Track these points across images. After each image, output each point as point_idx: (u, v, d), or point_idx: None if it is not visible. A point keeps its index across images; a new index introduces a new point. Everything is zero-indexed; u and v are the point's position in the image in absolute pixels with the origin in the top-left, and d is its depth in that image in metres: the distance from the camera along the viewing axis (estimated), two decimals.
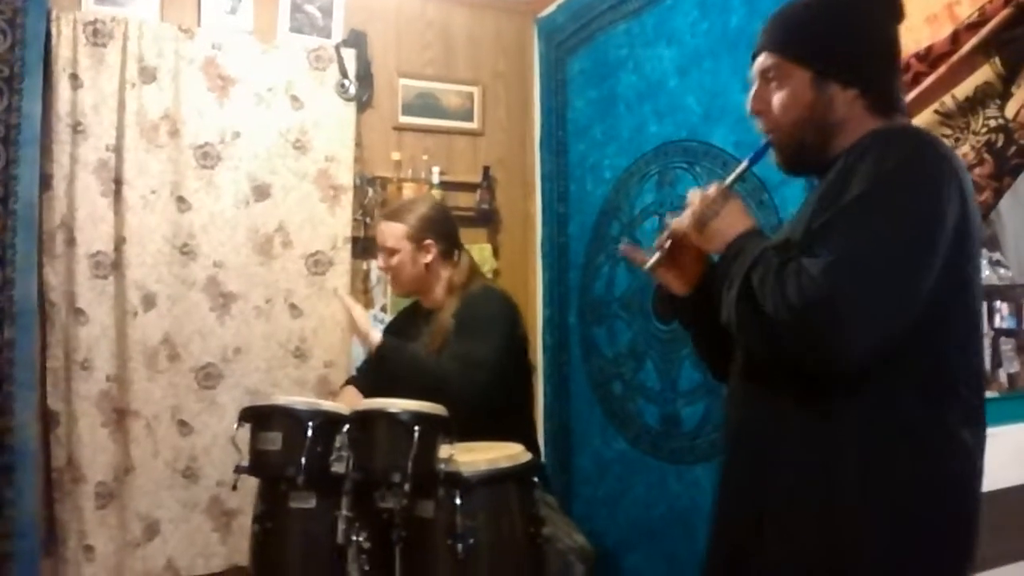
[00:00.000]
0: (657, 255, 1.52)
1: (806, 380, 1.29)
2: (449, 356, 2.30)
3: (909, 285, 1.20)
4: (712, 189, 1.42)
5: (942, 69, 1.99)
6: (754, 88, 1.45)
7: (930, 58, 1.96)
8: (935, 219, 1.22)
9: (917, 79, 2.00)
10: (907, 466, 1.25)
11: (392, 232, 2.47)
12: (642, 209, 2.92)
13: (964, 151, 2.00)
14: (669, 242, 1.50)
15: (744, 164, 1.46)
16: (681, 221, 1.45)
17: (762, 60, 1.43)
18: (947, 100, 2.02)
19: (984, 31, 1.93)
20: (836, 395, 1.28)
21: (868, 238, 1.20)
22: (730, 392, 1.53)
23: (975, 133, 2.00)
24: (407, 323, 2.63)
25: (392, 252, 2.46)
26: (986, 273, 2.84)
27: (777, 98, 1.41)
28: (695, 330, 1.64)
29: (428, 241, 2.45)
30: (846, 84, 1.37)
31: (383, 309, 3.29)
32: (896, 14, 1.43)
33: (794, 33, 1.41)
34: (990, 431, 2.25)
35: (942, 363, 1.28)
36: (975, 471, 1.33)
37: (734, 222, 1.39)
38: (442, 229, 2.49)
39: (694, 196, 1.43)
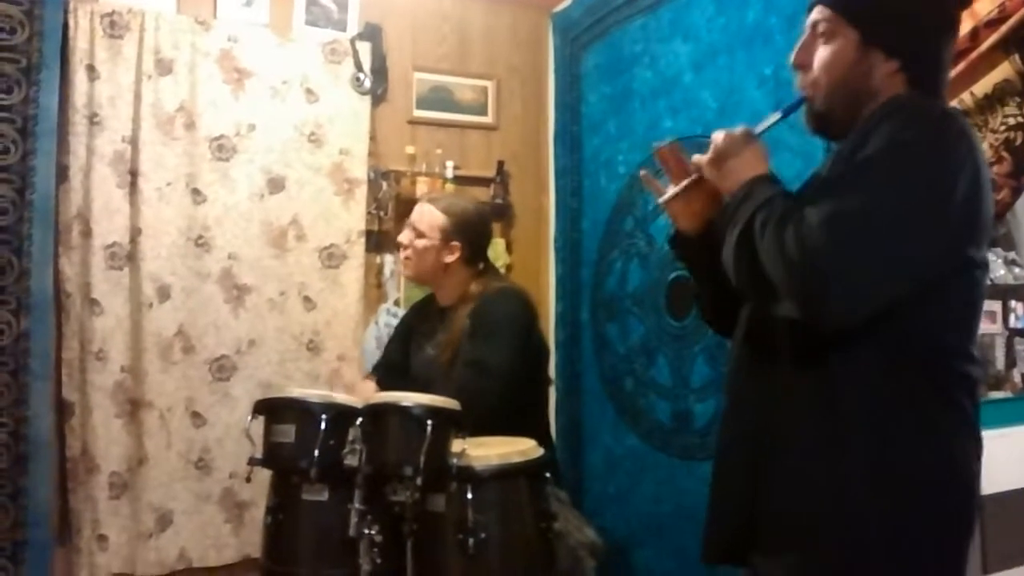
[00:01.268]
0: (676, 189, 1.52)
1: (805, 347, 1.30)
2: (462, 363, 2.30)
3: (905, 249, 1.20)
4: (737, 130, 1.41)
5: (961, 66, 1.98)
6: (802, 39, 1.43)
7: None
8: (943, 193, 1.21)
9: None
10: (910, 431, 1.25)
11: (430, 218, 2.46)
12: (656, 205, 2.90)
13: (982, 149, 1.99)
14: (688, 181, 1.49)
15: (777, 115, 1.44)
16: (702, 157, 1.44)
17: (816, 12, 1.41)
18: (966, 97, 2.01)
19: (1004, 28, 1.92)
20: (836, 363, 1.28)
21: (872, 197, 1.20)
22: (730, 358, 1.54)
23: (993, 131, 1.99)
24: (420, 319, 2.63)
25: (420, 235, 2.46)
26: (1001, 272, 2.82)
27: (820, 54, 1.39)
28: (697, 273, 1.63)
29: (456, 243, 2.45)
30: (889, 54, 1.35)
31: (396, 303, 3.29)
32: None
33: None
34: (1004, 431, 2.24)
35: (941, 339, 1.28)
36: (977, 439, 1.33)
37: (753, 164, 1.38)
38: (475, 237, 2.49)
39: (718, 135, 1.42)
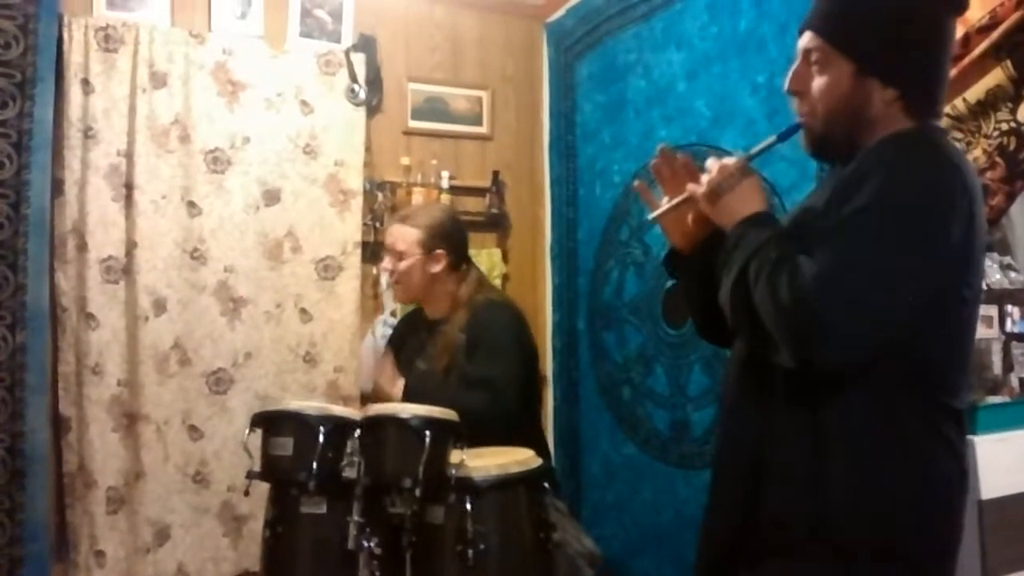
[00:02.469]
0: (667, 206, 1.52)
1: (795, 377, 1.30)
2: (470, 382, 2.28)
3: (897, 302, 1.21)
4: (733, 161, 1.41)
5: (953, 72, 1.98)
6: (795, 66, 1.42)
7: None
8: (937, 242, 1.22)
9: None
10: (895, 463, 1.26)
11: (404, 236, 2.44)
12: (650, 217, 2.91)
13: (976, 155, 2.00)
14: (680, 200, 1.49)
15: (772, 139, 1.44)
16: (696, 187, 1.44)
17: (807, 40, 1.40)
18: (958, 103, 2.01)
19: (995, 34, 1.93)
20: (825, 396, 1.29)
21: (866, 250, 1.21)
22: (725, 376, 1.54)
23: (987, 136, 1.99)
24: (408, 332, 2.61)
25: (401, 256, 2.44)
26: (997, 277, 2.82)
27: (816, 84, 1.38)
28: (691, 290, 1.63)
29: (439, 251, 2.43)
30: (886, 83, 1.34)
31: (393, 314, 3.27)
32: (956, 5, 1.39)
33: (842, 21, 1.38)
34: (1002, 436, 2.24)
35: (933, 374, 1.29)
36: (963, 471, 1.34)
37: (747, 201, 1.38)
38: (454, 240, 2.47)
39: (713, 165, 1.41)
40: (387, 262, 2.48)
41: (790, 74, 1.43)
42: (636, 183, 1.71)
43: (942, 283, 1.24)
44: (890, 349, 1.24)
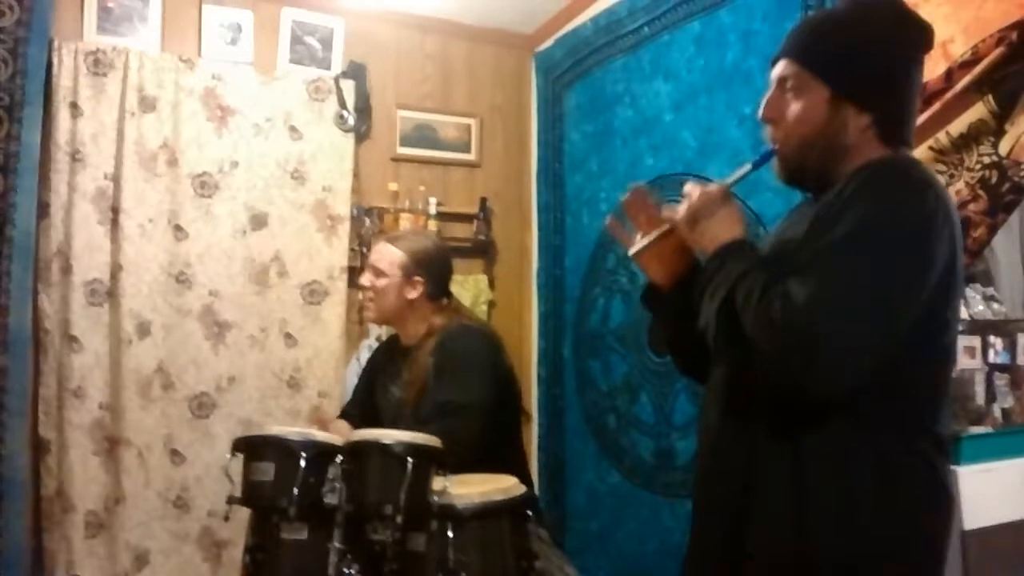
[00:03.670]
0: (647, 241, 1.50)
1: (780, 408, 1.29)
2: (433, 408, 2.27)
3: (888, 326, 1.21)
4: (712, 187, 1.40)
5: (936, 106, 2.01)
6: (769, 94, 1.42)
7: (924, 95, 1.98)
8: (923, 265, 1.23)
9: None
10: (879, 496, 1.25)
11: (387, 256, 2.44)
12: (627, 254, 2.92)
13: (958, 187, 2.02)
14: (661, 232, 1.48)
15: (747, 167, 1.44)
16: (676, 213, 1.43)
17: (782, 66, 1.40)
18: (941, 137, 2.04)
19: (977, 69, 1.96)
20: (807, 427, 1.28)
21: (855, 275, 1.21)
22: (704, 411, 1.52)
23: (969, 170, 2.02)
24: (384, 360, 2.60)
25: (380, 274, 2.44)
26: (979, 308, 2.84)
27: (791, 110, 1.38)
28: (669, 324, 1.61)
29: (417, 278, 2.42)
30: (861, 109, 1.35)
31: (378, 340, 3.27)
32: (925, 43, 1.40)
33: (819, 46, 1.38)
34: (985, 466, 2.25)
35: (916, 400, 1.29)
36: (949, 499, 1.33)
37: (727, 227, 1.37)
38: (436, 271, 2.46)
39: (693, 191, 1.40)
40: (366, 278, 2.48)
41: (764, 101, 1.42)
42: (609, 220, 1.69)
43: (929, 306, 1.24)
44: (876, 377, 1.23)
